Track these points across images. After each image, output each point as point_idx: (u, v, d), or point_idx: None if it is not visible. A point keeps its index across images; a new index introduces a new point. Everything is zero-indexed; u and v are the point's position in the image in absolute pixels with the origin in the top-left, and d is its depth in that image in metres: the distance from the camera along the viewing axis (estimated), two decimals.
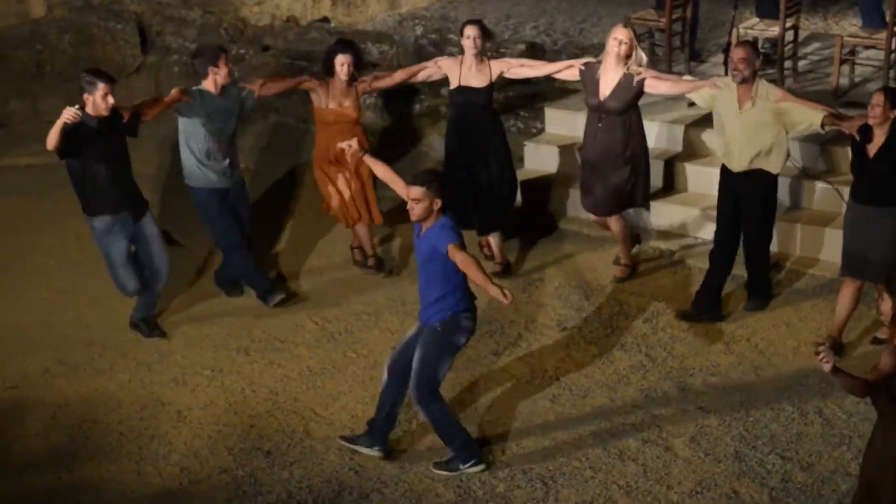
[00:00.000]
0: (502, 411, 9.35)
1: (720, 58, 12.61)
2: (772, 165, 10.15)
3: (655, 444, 8.88)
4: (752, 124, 10.05)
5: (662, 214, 11.79)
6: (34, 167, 14.02)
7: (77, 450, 9.12)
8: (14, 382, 9.97)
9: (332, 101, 11.08)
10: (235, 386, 9.82)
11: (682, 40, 13.39)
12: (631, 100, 10.68)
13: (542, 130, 13.01)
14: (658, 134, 12.02)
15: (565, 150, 12.48)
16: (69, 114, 9.36)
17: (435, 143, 13.61)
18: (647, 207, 11.46)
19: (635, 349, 10.07)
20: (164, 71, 15.29)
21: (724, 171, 10.38)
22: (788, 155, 10.29)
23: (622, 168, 10.78)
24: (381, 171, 9.18)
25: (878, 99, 9.39)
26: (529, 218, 12.15)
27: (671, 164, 12.01)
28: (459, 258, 8.21)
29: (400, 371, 8.72)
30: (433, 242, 8.36)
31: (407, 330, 9.01)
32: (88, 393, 9.80)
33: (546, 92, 13.29)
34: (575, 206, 12.11)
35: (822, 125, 10.01)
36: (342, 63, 11.04)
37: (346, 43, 11.28)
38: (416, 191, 8.38)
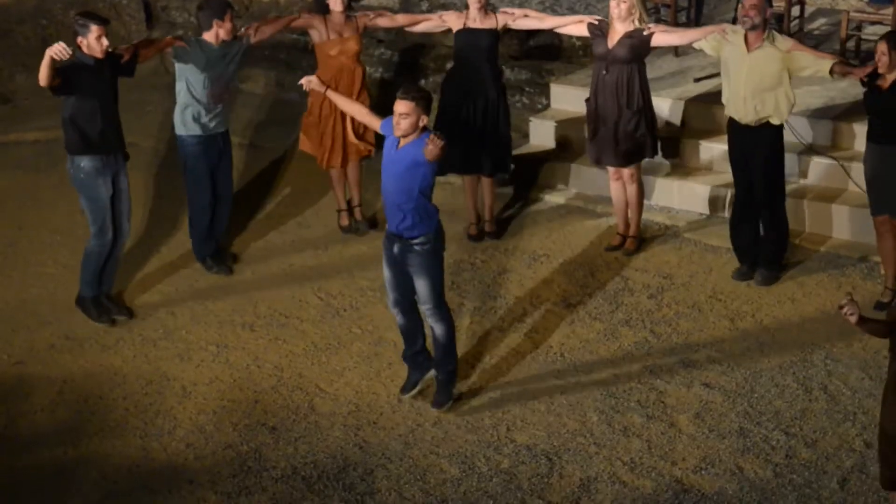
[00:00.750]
0: (506, 388, 9.36)
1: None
2: (777, 113, 10.11)
3: (660, 421, 8.89)
4: (758, 67, 10.01)
5: (666, 190, 11.76)
6: (40, 142, 14.06)
7: (82, 425, 9.14)
8: (20, 357, 9.98)
9: (333, 32, 11.07)
10: (240, 362, 9.83)
11: (687, 16, 13.35)
12: (637, 50, 10.62)
13: (547, 106, 12.99)
14: (660, 109, 11.97)
15: (570, 125, 12.46)
16: (55, 49, 9.28)
17: None
18: (656, 155, 11.26)
19: (640, 325, 10.07)
20: None
21: (731, 124, 10.36)
22: (793, 104, 10.24)
23: (631, 118, 10.72)
24: (347, 105, 9.35)
25: (883, 48, 9.54)
26: (534, 193, 12.15)
27: (675, 140, 11.98)
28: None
29: (409, 304, 9.01)
30: (415, 154, 8.47)
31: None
32: (94, 368, 9.81)
33: (552, 68, 13.28)
34: (580, 181, 12.10)
35: (831, 72, 10.00)
36: None
37: None
38: (405, 104, 8.45)
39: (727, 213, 11.32)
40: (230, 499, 8.29)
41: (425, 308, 8.95)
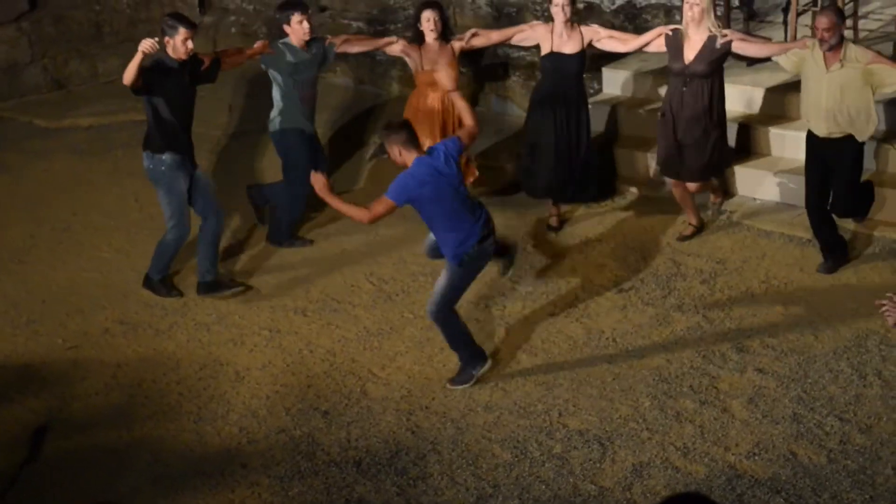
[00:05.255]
0: (558, 373, 9.34)
1: (780, 16, 12.44)
2: (858, 131, 10.00)
3: (713, 406, 8.85)
4: (837, 85, 9.88)
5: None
6: (94, 128, 14.18)
7: (136, 409, 9.20)
8: (74, 342, 10.06)
9: (427, 62, 11.10)
10: (293, 346, 9.86)
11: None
12: (716, 62, 10.53)
13: (598, 91, 12.93)
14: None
15: (622, 110, 12.41)
16: (146, 44, 9.44)
17: (492, 104, 13.65)
18: (729, 166, 11.33)
19: (693, 310, 10.03)
20: (222, 32, 15.34)
21: (810, 137, 10.25)
22: (876, 125, 10.11)
23: (710, 133, 10.64)
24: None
25: None
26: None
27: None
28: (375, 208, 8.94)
29: None
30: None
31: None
32: (148, 353, 9.87)
33: (603, 53, 13.22)
34: (631, 165, 12.04)
35: None
36: (428, 19, 11.08)
37: (430, 2, 11.27)
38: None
39: (781, 199, 11.26)
40: (283, 483, 8.33)
41: (430, 305, 9.13)
